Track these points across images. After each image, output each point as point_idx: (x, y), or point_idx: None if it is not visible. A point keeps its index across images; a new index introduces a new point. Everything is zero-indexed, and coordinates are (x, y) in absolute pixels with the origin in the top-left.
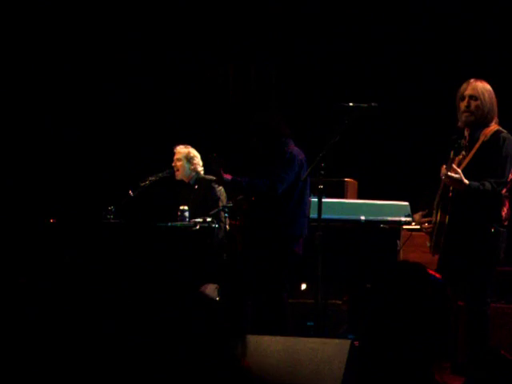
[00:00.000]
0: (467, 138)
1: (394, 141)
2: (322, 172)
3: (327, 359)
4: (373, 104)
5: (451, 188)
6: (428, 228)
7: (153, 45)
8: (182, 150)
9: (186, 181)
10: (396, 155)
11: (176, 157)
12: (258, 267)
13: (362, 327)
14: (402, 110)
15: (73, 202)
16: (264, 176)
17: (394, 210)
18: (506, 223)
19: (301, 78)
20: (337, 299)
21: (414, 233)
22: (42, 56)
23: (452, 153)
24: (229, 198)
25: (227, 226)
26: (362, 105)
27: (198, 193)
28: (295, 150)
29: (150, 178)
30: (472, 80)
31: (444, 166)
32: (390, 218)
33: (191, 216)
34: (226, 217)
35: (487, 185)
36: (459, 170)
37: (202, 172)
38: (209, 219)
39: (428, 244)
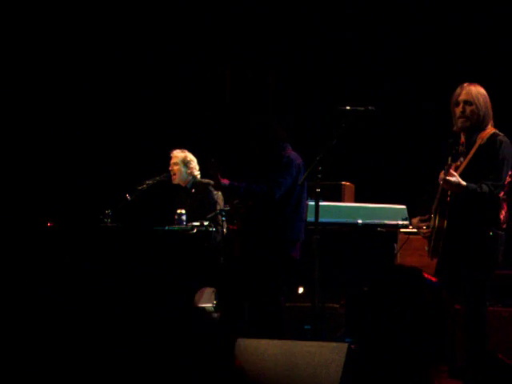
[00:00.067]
0: (464, 142)
1: (390, 144)
2: (319, 175)
3: (324, 363)
4: (370, 107)
5: (449, 193)
6: (426, 232)
7: (148, 48)
8: (178, 154)
9: (183, 185)
10: (393, 159)
11: (173, 161)
12: (254, 271)
13: (360, 331)
14: (399, 114)
15: (70, 205)
16: (261, 181)
17: (391, 213)
18: (504, 226)
19: (298, 81)
20: (334, 303)
21: (411, 236)
22: (42, 61)
23: (450, 159)
24: (226, 202)
25: (224, 230)
26: (359, 108)
27: (195, 197)
28: (292, 154)
29: (147, 182)
30: (465, 84)
31: (442, 172)
32: (387, 222)
33: (188, 220)
34: (223, 220)
35: (484, 187)
36: (456, 174)
37: (199, 176)
38: (206, 223)
39: (426, 248)
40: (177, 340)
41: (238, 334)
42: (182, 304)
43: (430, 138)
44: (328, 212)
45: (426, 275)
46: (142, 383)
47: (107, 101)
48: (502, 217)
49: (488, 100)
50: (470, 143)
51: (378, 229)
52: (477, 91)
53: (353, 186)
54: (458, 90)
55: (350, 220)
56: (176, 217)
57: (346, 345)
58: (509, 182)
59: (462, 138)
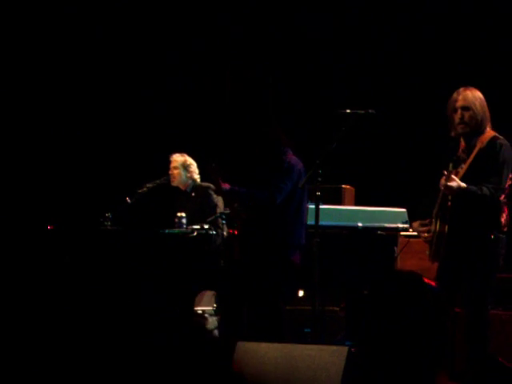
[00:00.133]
0: (464, 146)
1: (390, 147)
2: (320, 179)
3: (324, 366)
4: (370, 111)
5: (450, 197)
6: (427, 237)
7: (149, 50)
8: (178, 158)
9: (183, 188)
10: (393, 162)
11: (172, 165)
12: (254, 275)
13: (360, 334)
14: (399, 117)
15: (70, 208)
16: (262, 185)
17: (392, 216)
18: (505, 229)
19: (298, 84)
20: (334, 306)
21: (411, 239)
22: (44, 67)
23: (451, 165)
24: (226, 205)
25: (224, 233)
26: (360, 111)
27: (195, 200)
28: (293, 159)
29: (148, 185)
30: (461, 89)
31: (443, 178)
32: (387, 225)
33: (189, 223)
34: (223, 223)
35: (485, 190)
36: (456, 178)
37: (199, 180)
38: (206, 226)
39: (427, 252)
40: (177, 344)
41: (238, 337)
42: (182, 307)
43: (430, 141)
44: (328, 215)
45: (426, 280)
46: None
47: (108, 104)
48: (503, 220)
49: (484, 103)
50: (469, 147)
51: (378, 232)
52: (473, 96)
53: (353, 189)
54: (455, 96)
55: (350, 223)
56: (176, 220)
57: (346, 348)
58: (509, 185)
59: (462, 143)
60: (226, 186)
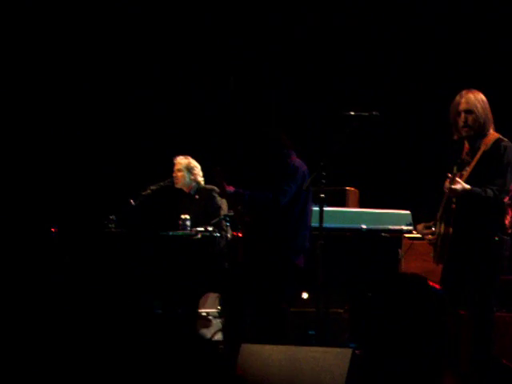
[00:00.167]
0: (468, 149)
1: (395, 149)
2: (324, 181)
3: (329, 368)
4: (374, 113)
5: (454, 200)
6: (432, 239)
7: (153, 56)
8: (182, 160)
9: (187, 191)
10: (397, 164)
11: (176, 167)
12: (258, 278)
13: (364, 336)
14: (403, 119)
15: (74, 211)
16: (266, 188)
17: (396, 218)
18: (509, 231)
19: (302, 86)
20: (338, 308)
21: (415, 241)
22: (47, 72)
23: (455, 168)
24: (229, 208)
25: (228, 235)
26: (363, 113)
27: (199, 203)
28: (297, 161)
29: (152, 187)
30: (464, 92)
31: (447, 181)
32: (391, 227)
33: (193, 225)
34: (227, 225)
35: (489, 191)
36: (461, 181)
37: (203, 182)
38: (210, 228)
39: (432, 254)
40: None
41: (242, 339)
42: (186, 309)
43: (434, 144)
44: (332, 217)
45: (430, 283)
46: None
47: (111, 107)
48: (507, 222)
49: (487, 105)
50: (473, 150)
51: (383, 234)
52: (475, 98)
53: (357, 191)
54: (458, 99)
55: (355, 225)
56: (180, 222)
57: (350, 350)
58: None
59: (466, 145)
60: (231, 189)
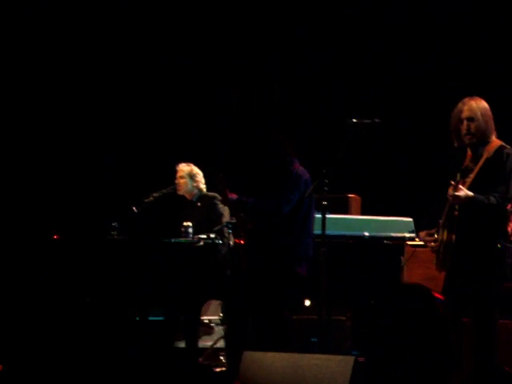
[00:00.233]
0: (471, 156)
1: (397, 157)
2: (326, 188)
3: (331, 375)
4: (376, 120)
5: (457, 207)
6: (434, 246)
7: (157, 63)
8: (184, 167)
9: (189, 198)
10: (399, 171)
11: (179, 174)
12: (260, 285)
13: (366, 343)
14: (405, 126)
15: (76, 218)
16: (269, 196)
17: (398, 225)
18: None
19: (304, 93)
20: (341, 315)
21: (417, 249)
22: (49, 77)
23: (458, 175)
24: (232, 215)
25: (231, 242)
26: (365, 121)
27: (201, 210)
28: (300, 169)
29: (154, 195)
30: (466, 100)
31: (451, 188)
32: (393, 234)
33: (195, 232)
34: (229, 233)
35: (492, 199)
36: (464, 188)
37: (205, 189)
38: (212, 235)
39: (434, 261)
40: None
41: (244, 346)
42: (188, 316)
43: (437, 151)
44: (334, 224)
45: (433, 293)
46: None
47: (115, 114)
48: (509, 229)
49: (489, 112)
50: (476, 157)
51: (385, 241)
52: (477, 106)
53: (359, 198)
54: (460, 106)
55: (357, 232)
56: (182, 229)
57: (352, 357)
58: None
59: (469, 153)
60: (233, 196)
